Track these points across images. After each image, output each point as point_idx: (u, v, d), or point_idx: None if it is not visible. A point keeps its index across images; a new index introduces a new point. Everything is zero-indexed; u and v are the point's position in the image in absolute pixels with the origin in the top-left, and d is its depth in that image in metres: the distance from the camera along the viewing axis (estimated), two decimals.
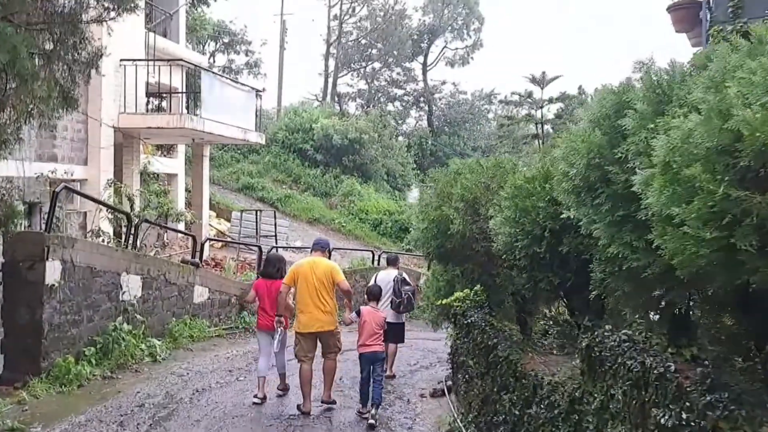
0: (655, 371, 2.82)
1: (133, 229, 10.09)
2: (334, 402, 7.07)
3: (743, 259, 2.27)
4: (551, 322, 5.87)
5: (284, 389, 7.65)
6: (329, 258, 7.93)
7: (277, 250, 15.98)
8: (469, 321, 6.19)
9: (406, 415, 7.48)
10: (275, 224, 18.07)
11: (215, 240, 17.03)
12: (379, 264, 17.71)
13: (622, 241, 3.01)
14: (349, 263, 17.35)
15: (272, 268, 7.68)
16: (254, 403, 7.11)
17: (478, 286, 6.57)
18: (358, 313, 6.83)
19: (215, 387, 8.11)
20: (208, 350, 10.39)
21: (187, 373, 8.67)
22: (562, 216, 3.74)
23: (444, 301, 7.22)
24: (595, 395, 3.42)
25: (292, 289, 6.82)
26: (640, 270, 2.88)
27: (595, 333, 3.48)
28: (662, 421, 2.68)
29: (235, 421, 6.74)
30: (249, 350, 10.57)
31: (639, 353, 3.05)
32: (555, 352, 5.04)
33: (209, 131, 14.31)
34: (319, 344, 6.93)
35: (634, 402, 2.98)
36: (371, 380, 6.68)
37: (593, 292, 3.55)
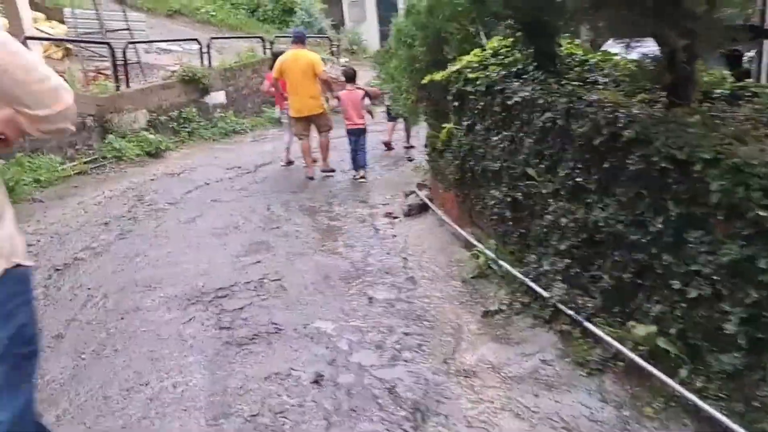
0: None
1: None
2: (333, 170, 8.15)
3: None
4: None
5: (288, 162, 8.76)
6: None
7: (135, 48, 12.08)
8: (520, 98, 3.54)
9: (386, 257, 5.19)
10: (126, 17, 13.61)
11: (40, 39, 12.46)
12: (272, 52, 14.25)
13: None
14: (235, 57, 13.69)
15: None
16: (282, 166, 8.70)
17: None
18: (337, 98, 7.76)
19: (85, 258, 5.26)
20: (68, 196, 7.25)
21: (38, 241, 5.67)
22: None
23: (438, 76, 4.49)
24: None
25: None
26: None
27: None
28: None
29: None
30: (129, 187, 7.57)
31: None
32: None
33: None
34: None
35: None
36: (356, 149, 7.83)
37: None
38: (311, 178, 7.96)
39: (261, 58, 13.76)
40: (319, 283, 4.61)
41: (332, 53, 17.79)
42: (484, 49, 4.30)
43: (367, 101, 8.14)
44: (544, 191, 3.39)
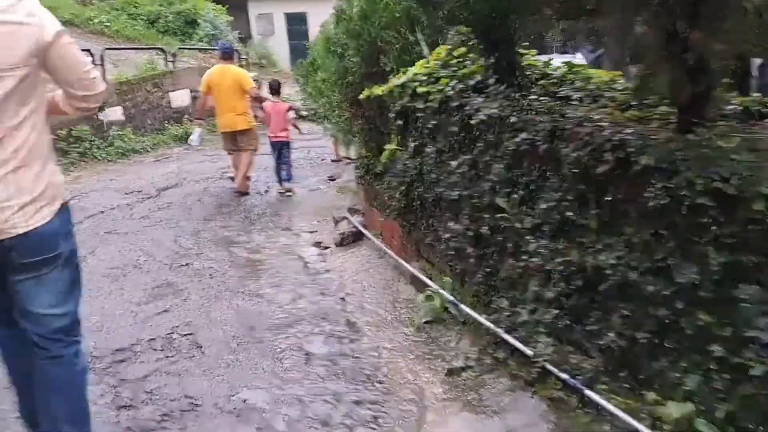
0: None
1: None
2: (246, 193, 7.67)
3: None
4: None
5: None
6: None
7: None
8: (483, 116, 2.97)
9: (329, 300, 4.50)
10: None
11: None
12: (174, 66, 13.15)
13: None
14: (134, 70, 12.50)
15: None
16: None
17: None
18: (263, 109, 7.64)
19: None
20: None
21: None
22: None
23: (378, 90, 3.87)
24: None
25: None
26: None
27: None
28: None
29: None
30: None
31: None
32: None
33: None
34: None
35: None
36: (281, 162, 7.73)
37: None
38: (244, 194, 7.63)
39: (163, 71, 12.64)
40: (242, 337, 3.84)
41: (240, 66, 16.82)
42: (428, 61, 3.74)
43: (292, 114, 7.94)
44: (518, 226, 2.85)
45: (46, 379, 2.18)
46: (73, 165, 9.57)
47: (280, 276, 4.94)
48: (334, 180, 8.43)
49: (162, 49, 13.19)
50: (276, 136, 7.66)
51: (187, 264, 5.28)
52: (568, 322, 2.59)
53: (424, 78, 3.55)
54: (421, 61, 3.68)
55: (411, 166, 3.80)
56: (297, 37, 23.85)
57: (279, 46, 23.14)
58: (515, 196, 2.85)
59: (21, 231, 2.02)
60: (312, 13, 21.88)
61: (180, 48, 14.27)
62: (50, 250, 2.10)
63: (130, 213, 7.08)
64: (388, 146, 3.99)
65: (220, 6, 20.72)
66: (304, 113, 9.59)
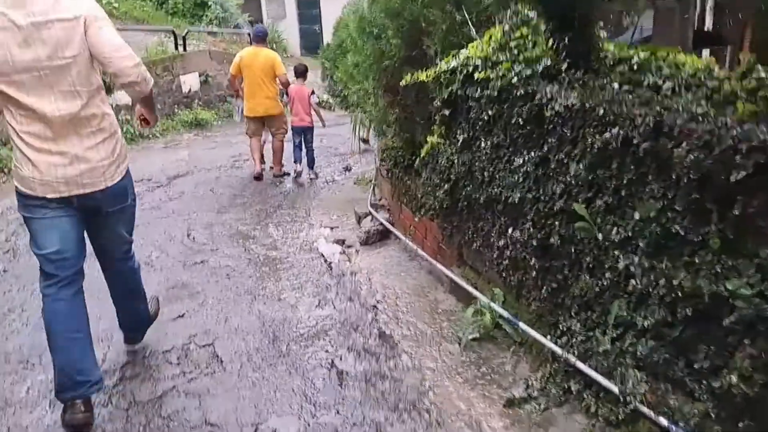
0: None
1: None
2: (285, 174, 7.73)
3: None
4: None
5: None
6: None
7: None
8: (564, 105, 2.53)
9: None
10: None
11: None
12: (185, 50, 12.68)
13: None
14: (144, 53, 12.03)
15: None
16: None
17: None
18: (287, 94, 7.55)
19: None
20: None
21: None
22: None
23: (422, 76, 3.41)
24: None
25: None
26: None
27: None
28: None
29: None
30: (9, 207, 6.03)
31: None
32: None
33: None
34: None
35: None
36: (303, 147, 7.64)
37: None
38: (258, 178, 7.50)
39: (173, 54, 12.18)
40: (266, 350, 3.43)
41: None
42: (485, 42, 3.29)
43: (315, 99, 7.81)
44: (601, 238, 2.42)
45: (122, 276, 3.09)
46: None
47: (302, 277, 4.54)
48: (350, 170, 8.07)
49: (173, 32, 12.71)
50: (301, 120, 7.54)
51: (202, 261, 4.88)
52: (667, 356, 2.16)
53: (479, 62, 3.10)
54: (474, 43, 3.23)
55: (458, 162, 3.37)
56: (308, 21, 23.36)
57: (289, 30, 22.62)
58: (599, 202, 2.42)
59: (109, 185, 2.71)
60: None
61: (189, 30, 13.78)
62: (124, 199, 2.85)
63: (140, 203, 6.59)
64: (429, 138, 3.55)
65: None
66: (329, 100, 9.17)
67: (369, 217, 5.42)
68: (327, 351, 3.41)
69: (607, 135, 2.32)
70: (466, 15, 3.69)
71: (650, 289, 2.20)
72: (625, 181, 2.29)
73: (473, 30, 3.65)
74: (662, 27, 5.48)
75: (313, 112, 7.69)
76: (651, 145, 2.14)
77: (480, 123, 3.15)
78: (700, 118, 2.02)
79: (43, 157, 2.53)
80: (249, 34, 17.48)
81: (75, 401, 2.61)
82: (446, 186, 3.47)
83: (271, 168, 7.83)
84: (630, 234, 2.29)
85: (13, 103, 2.48)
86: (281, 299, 4.16)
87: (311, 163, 7.75)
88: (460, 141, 3.29)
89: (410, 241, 4.58)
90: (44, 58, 2.44)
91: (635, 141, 2.20)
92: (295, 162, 7.77)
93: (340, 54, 5.71)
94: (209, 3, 19.45)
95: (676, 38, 5.18)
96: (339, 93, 7.32)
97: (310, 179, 7.62)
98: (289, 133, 7.77)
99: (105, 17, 2.60)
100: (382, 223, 5.17)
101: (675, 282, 2.07)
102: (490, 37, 3.33)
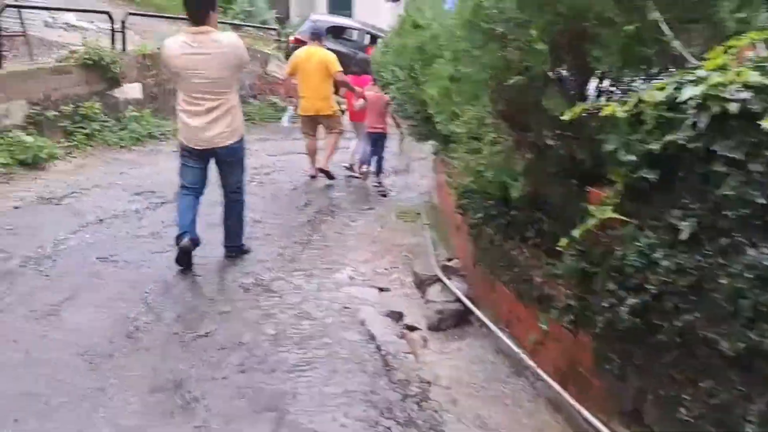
0: None
1: None
2: (333, 177, 7.52)
3: None
4: None
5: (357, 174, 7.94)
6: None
7: (20, 16, 9.05)
8: None
9: None
10: None
11: None
12: None
13: None
14: (158, 43, 10.65)
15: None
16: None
17: None
18: (364, 98, 7.38)
19: None
20: None
21: None
22: None
23: (611, 109, 1.96)
24: None
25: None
26: None
27: None
28: None
29: None
30: None
31: None
32: None
33: None
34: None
35: None
36: (374, 154, 7.54)
37: None
38: (313, 177, 7.56)
39: None
40: None
41: (279, 48, 15.03)
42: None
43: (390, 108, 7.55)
44: None
45: (231, 209, 4.59)
46: (77, 149, 7.82)
47: (345, 377, 3.10)
48: (386, 196, 7.18)
49: None
50: (373, 127, 7.37)
51: (206, 334, 3.47)
52: None
53: (748, 95, 1.65)
54: (719, 58, 1.77)
55: (671, 267, 1.89)
56: None
57: None
58: None
59: (227, 144, 4.28)
60: None
61: None
62: (236, 155, 4.42)
63: (137, 226, 5.28)
64: (594, 211, 2.10)
65: None
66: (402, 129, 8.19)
67: (438, 286, 3.97)
68: None
69: None
70: (664, 21, 2.23)
71: None
72: None
73: (677, 44, 2.20)
74: None
75: (388, 119, 7.57)
76: None
77: (739, 210, 1.69)
78: None
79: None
80: (276, 30, 16.25)
81: (182, 236, 4.23)
82: (633, 301, 2.01)
83: (319, 170, 7.47)
84: None
85: None
86: (315, 421, 2.70)
87: (378, 171, 7.56)
88: (684, 233, 1.82)
89: (513, 343, 3.11)
90: None
91: None
92: (362, 163, 7.61)
93: (424, 61, 4.28)
94: None
95: None
96: (411, 115, 5.75)
97: (374, 186, 7.41)
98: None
99: None
100: (458, 298, 3.72)
101: None
102: (726, 55, 1.88)
